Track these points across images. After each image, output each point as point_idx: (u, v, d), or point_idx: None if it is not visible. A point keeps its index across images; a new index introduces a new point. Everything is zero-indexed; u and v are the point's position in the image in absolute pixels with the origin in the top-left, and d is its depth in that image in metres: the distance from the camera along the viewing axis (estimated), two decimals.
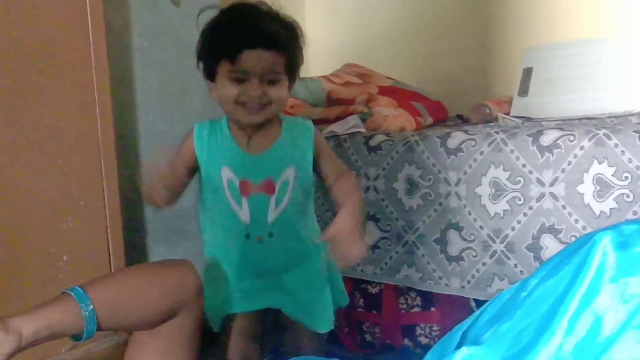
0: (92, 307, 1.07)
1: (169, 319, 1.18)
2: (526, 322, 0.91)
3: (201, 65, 1.40)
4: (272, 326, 1.55)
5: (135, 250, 1.87)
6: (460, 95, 2.70)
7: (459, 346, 0.98)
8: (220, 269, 1.40)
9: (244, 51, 1.30)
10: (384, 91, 2.37)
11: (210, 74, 1.38)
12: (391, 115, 2.19)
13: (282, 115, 1.47)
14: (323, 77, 2.41)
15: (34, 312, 1.03)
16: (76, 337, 1.08)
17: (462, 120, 2.48)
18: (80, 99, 1.62)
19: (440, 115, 2.50)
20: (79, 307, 1.06)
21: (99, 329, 1.09)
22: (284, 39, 1.34)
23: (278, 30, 1.34)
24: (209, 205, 1.41)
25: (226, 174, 1.37)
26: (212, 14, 1.39)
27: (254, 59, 1.31)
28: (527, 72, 2.37)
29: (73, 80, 1.61)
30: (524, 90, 2.35)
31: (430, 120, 2.38)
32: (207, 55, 1.38)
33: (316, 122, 2.22)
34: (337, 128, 2.12)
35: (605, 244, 0.89)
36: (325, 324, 1.49)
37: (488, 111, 2.31)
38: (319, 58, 3.04)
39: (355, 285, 2.01)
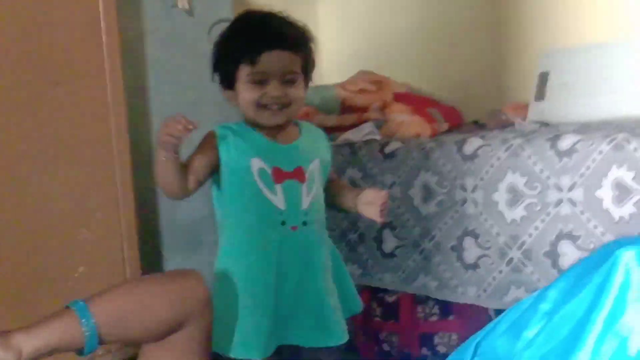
0: (93, 321, 1.06)
1: (177, 330, 1.17)
2: (547, 348, 0.89)
3: (217, 77, 1.42)
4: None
5: (150, 261, 1.86)
6: (476, 101, 2.68)
7: (472, 358, 0.96)
8: (233, 285, 1.36)
9: (263, 53, 1.34)
10: (398, 98, 2.36)
11: (229, 82, 1.40)
12: (406, 122, 2.18)
13: (298, 120, 1.51)
14: (337, 84, 2.40)
15: (35, 328, 1.03)
16: (80, 352, 1.08)
17: (478, 126, 2.46)
18: (95, 109, 1.63)
19: (455, 121, 2.48)
20: (79, 322, 1.05)
21: (101, 343, 1.08)
22: (299, 39, 1.40)
23: (291, 31, 1.39)
24: (238, 201, 1.39)
25: (257, 164, 1.37)
26: (223, 26, 1.42)
27: (273, 59, 1.35)
28: (543, 77, 2.35)
29: (87, 90, 1.61)
30: (540, 95, 2.33)
31: (445, 126, 2.37)
32: (225, 62, 1.40)
33: (331, 129, 2.23)
34: (352, 135, 2.12)
35: (629, 260, 0.86)
36: (341, 334, 1.47)
37: (504, 117, 2.30)
38: (333, 65, 3.04)
39: (372, 294, 1.99)
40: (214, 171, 1.39)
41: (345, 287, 1.51)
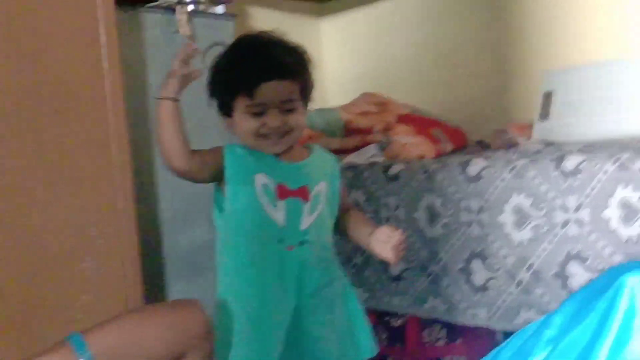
0: (90, 354, 1.05)
1: None
2: None
3: (214, 102, 1.41)
4: None
5: (153, 289, 1.85)
6: (480, 121, 2.67)
7: None
8: (232, 313, 1.34)
9: (260, 84, 1.32)
10: (402, 119, 2.35)
11: (226, 110, 1.39)
12: (410, 143, 2.17)
13: (309, 143, 1.51)
14: (340, 107, 2.39)
15: None
16: None
17: (483, 146, 2.45)
18: (97, 137, 1.62)
19: (460, 142, 2.47)
20: (76, 356, 1.04)
21: None
22: (295, 66, 1.37)
23: (289, 58, 1.37)
24: (239, 217, 1.36)
25: (261, 179, 1.35)
26: (219, 50, 1.41)
27: (271, 90, 1.32)
28: (548, 96, 2.34)
29: (89, 118, 1.61)
30: (544, 114, 2.31)
31: (449, 146, 2.35)
32: (222, 92, 1.38)
33: (334, 152, 2.21)
34: (355, 158, 2.11)
35: (634, 285, 0.84)
36: (365, 349, 1.45)
37: (509, 136, 2.28)
38: (337, 88, 3.04)
39: (378, 318, 1.97)
40: (216, 176, 1.36)
41: (357, 327, 1.48)
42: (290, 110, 1.35)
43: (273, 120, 1.33)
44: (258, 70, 1.33)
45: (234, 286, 1.37)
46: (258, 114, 1.34)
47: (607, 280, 0.89)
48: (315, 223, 1.39)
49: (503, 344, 1.02)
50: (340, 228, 1.49)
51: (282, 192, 1.36)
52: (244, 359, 1.32)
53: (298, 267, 1.36)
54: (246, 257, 1.36)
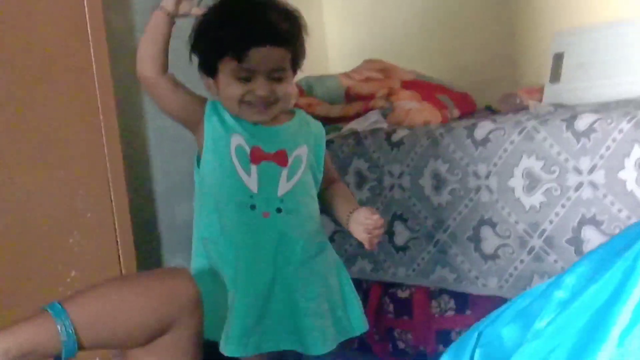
0: (70, 323, 1.00)
1: (164, 333, 1.10)
2: (559, 340, 0.78)
3: (195, 58, 1.33)
4: None
5: (149, 263, 1.79)
6: (489, 86, 2.59)
7: (474, 348, 0.86)
8: (204, 282, 1.25)
9: (251, 48, 1.24)
10: (407, 85, 2.28)
11: (210, 70, 1.31)
12: (414, 109, 2.09)
13: (295, 108, 1.43)
14: (341, 74, 2.32)
15: (7, 330, 0.98)
16: (58, 357, 1.01)
17: (491, 112, 2.37)
18: (83, 105, 1.57)
19: (468, 108, 2.39)
20: (55, 324, 0.98)
21: (81, 347, 1.01)
22: (290, 33, 1.29)
23: (284, 24, 1.29)
24: (213, 178, 1.30)
25: (236, 140, 1.29)
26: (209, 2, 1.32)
27: (262, 56, 1.25)
28: (558, 58, 2.27)
29: (74, 86, 1.56)
30: (555, 77, 2.25)
31: (456, 112, 2.28)
32: (208, 51, 1.31)
33: (335, 120, 2.16)
34: (357, 125, 2.04)
35: None
36: (317, 345, 1.33)
37: (518, 101, 2.20)
38: (339, 57, 2.97)
39: (384, 290, 1.91)
40: (185, 118, 1.32)
41: (348, 301, 1.40)
42: (279, 80, 1.28)
43: (260, 88, 1.26)
44: (251, 32, 1.25)
45: (205, 252, 1.31)
46: (245, 80, 1.27)
47: (629, 238, 0.81)
48: (295, 190, 1.31)
49: (505, 305, 0.94)
50: (321, 201, 1.41)
51: (257, 156, 1.29)
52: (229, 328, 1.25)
53: (278, 237, 1.29)
54: (216, 221, 1.29)
